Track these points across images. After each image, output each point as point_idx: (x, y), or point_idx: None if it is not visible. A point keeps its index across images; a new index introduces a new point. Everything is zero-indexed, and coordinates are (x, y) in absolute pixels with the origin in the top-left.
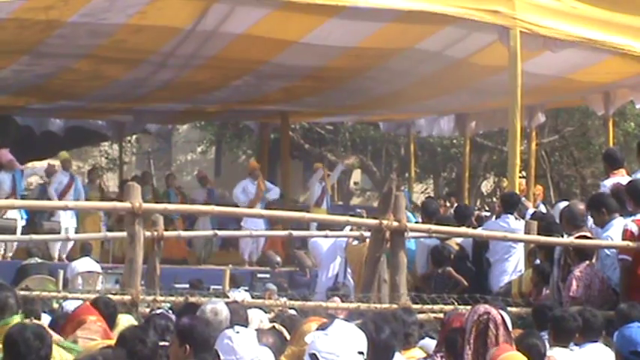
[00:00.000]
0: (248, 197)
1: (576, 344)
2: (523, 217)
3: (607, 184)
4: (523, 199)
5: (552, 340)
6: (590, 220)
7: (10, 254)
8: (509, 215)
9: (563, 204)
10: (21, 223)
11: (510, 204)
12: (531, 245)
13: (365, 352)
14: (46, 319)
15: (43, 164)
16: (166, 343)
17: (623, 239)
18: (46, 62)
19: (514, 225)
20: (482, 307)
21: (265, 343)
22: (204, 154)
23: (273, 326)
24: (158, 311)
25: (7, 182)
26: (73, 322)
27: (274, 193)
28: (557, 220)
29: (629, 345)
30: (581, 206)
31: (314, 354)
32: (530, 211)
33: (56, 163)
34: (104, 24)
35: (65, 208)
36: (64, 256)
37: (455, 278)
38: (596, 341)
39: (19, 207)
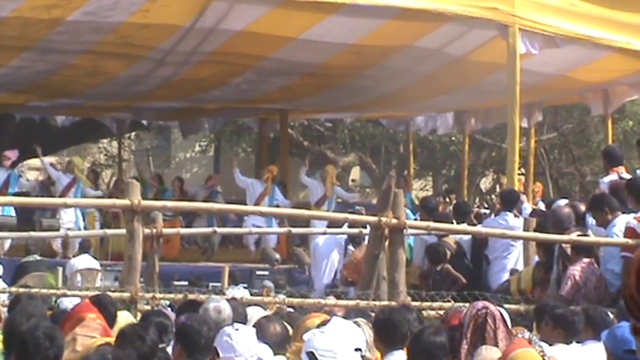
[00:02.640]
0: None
1: (578, 342)
2: (521, 214)
3: (606, 181)
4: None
5: (554, 338)
6: (590, 221)
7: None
8: (508, 213)
9: (562, 201)
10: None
11: (509, 201)
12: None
13: (363, 348)
14: None
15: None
16: (164, 345)
17: (625, 237)
18: (45, 59)
19: (513, 222)
20: (481, 303)
21: (272, 331)
22: (203, 152)
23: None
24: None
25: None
26: (72, 320)
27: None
28: None
29: (623, 344)
30: (567, 209)
31: (311, 352)
32: (526, 205)
33: (53, 159)
34: (104, 22)
35: (64, 206)
36: (70, 255)
37: (453, 276)
38: (599, 340)
39: (17, 204)
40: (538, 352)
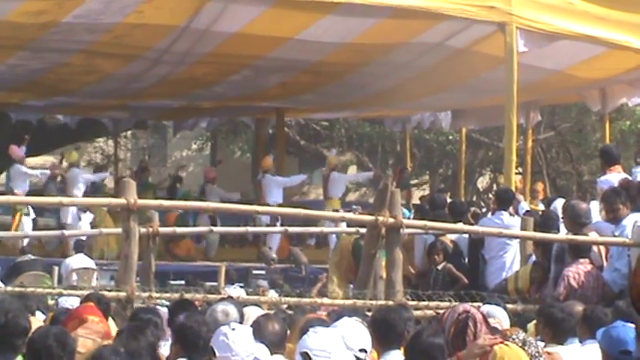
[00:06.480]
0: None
1: (580, 341)
2: (517, 213)
3: (603, 180)
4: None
5: (549, 338)
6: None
7: None
8: (503, 212)
9: (559, 201)
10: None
11: (505, 200)
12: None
13: (367, 349)
14: (40, 317)
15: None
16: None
17: None
18: (41, 58)
19: (508, 221)
20: (462, 307)
21: (271, 329)
22: (199, 151)
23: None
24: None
25: None
26: (75, 321)
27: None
28: (561, 216)
29: (618, 345)
30: (584, 205)
31: (305, 352)
32: (523, 204)
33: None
34: (99, 23)
35: (60, 205)
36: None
37: (455, 275)
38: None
39: (13, 203)
40: (533, 353)
